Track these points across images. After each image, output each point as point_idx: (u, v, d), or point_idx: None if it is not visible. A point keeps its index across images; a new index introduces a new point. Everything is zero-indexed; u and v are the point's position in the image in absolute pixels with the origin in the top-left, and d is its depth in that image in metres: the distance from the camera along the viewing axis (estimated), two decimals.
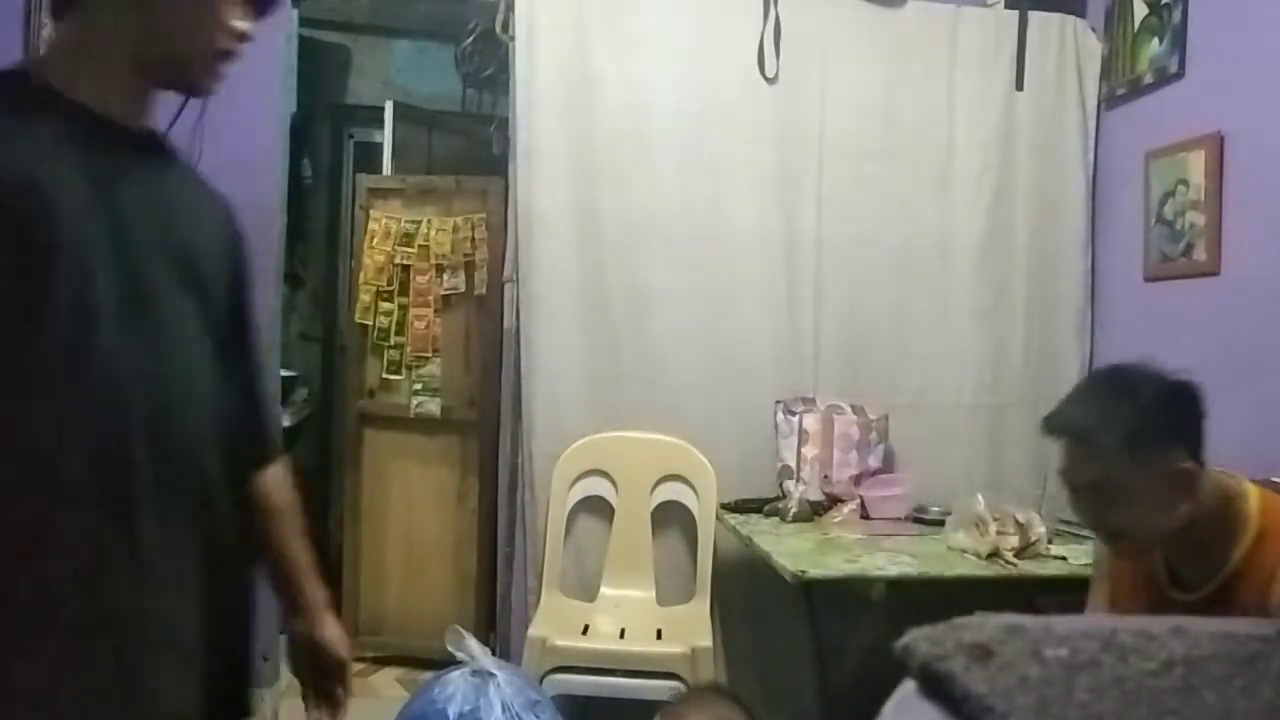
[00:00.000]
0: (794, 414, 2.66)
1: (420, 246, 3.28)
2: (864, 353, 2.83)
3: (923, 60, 2.84)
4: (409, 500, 3.36)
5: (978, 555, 2.14)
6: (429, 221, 3.29)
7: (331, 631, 1.24)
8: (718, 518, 2.62)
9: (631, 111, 2.69)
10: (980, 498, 2.23)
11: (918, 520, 2.53)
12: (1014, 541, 2.15)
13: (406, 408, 3.29)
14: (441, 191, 3.36)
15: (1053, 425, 1.47)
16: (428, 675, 2.47)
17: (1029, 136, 2.89)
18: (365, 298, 3.31)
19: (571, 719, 2.38)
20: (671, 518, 2.74)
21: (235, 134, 2.64)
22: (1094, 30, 2.92)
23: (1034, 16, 2.89)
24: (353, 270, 3.54)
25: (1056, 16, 2.91)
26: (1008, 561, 2.11)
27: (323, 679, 1.25)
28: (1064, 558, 2.18)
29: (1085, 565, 2.15)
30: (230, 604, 1.09)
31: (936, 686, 0.47)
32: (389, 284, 3.30)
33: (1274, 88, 2.24)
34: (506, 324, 2.80)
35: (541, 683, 2.28)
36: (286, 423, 3.33)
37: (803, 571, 2.02)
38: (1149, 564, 1.50)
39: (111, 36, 1.00)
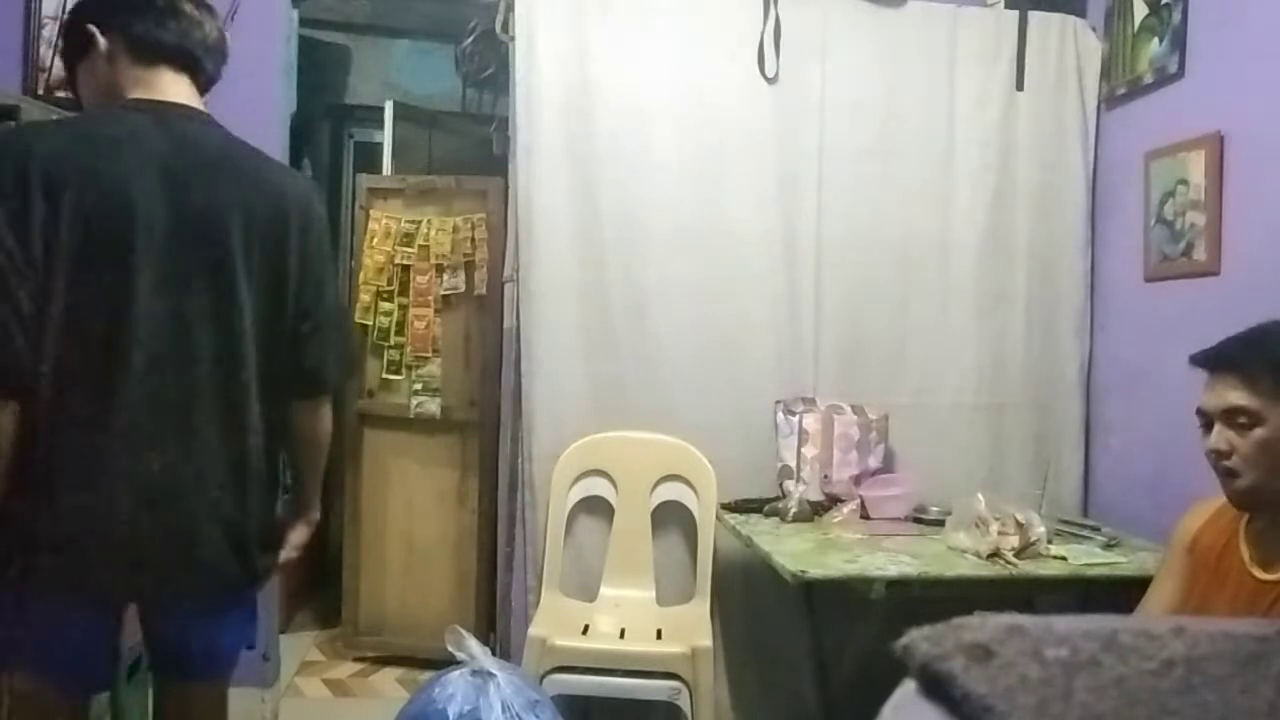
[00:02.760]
0: (794, 414, 2.66)
1: (420, 246, 3.29)
2: (864, 353, 2.83)
3: (923, 60, 2.84)
4: (409, 500, 3.36)
5: (978, 555, 2.14)
6: (429, 221, 3.29)
7: (295, 534, 1.68)
8: (718, 518, 2.62)
9: (631, 111, 2.69)
10: (980, 498, 2.23)
11: (918, 520, 2.53)
12: (1014, 541, 2.15)
13: (406, 408, 3.30)
14: (441, 191, 3.36)
15: (1201, 356, 1.53)
16: (428, 675, 2.47)
17: (1029, 136, 2.89)
18: (365, 298, 3.31)
19: (571, 719, 2.38)
20: (671, 518, 2.74)
21: (235, 134, 2.66)
22: (1094, 30, 2.92)
23: (1034, 16, 2.89)
24: (353, 270, 3.55)
25: (1056, 16, 2.91)
26: (1008, 561, 2.11)
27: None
28: (1064, 558, 2.18)
29: (1085, 565, 2.16)
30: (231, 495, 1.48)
31: (936, 686, 0.47)
32: (389, 284, 3.31)
33: (1274, 88, 2.24)
34: (506, 324, 2.80)
35: (541, 683, 2.28)
36: None
37: (803, 571, 2.02)
38: (1235, 546, 1.55)
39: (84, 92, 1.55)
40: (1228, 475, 1.50)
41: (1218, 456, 1.50)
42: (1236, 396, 1.47)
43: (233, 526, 1.47)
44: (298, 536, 1.66)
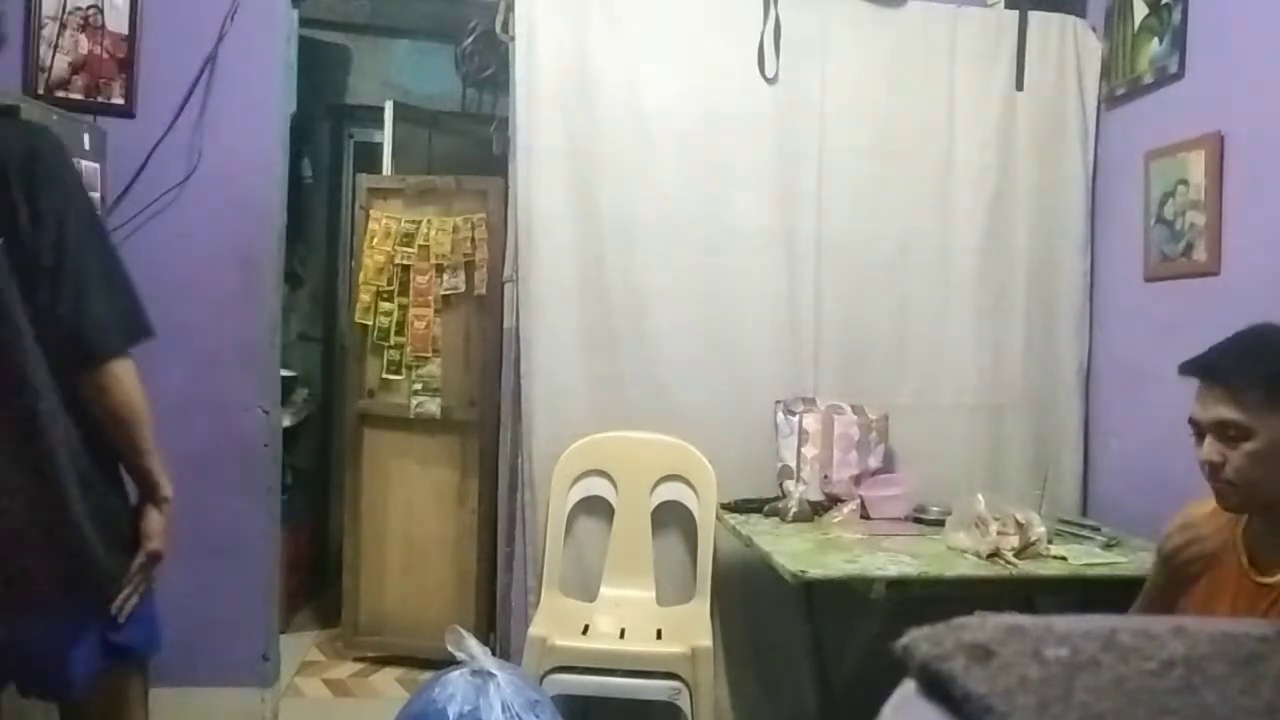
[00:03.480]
0: (794, 414, 2.66)
1: (420, 246, 3.29)
2: (864, 353, 2.83)
3: (923, 60, 2.84)
4: (409, 500, 3.36)
5: (978, 555, 2.14)
6: (429, 221, 3.29)
7: (148, 523, 1.52)
8: (718, 518, 2.62)
9: (631, 111, 2.69)
10: (980, 498, 2.24)
11: (918, 520, 2.53)
12: (1014, 541, 2.15)
13: (406, 408, 3.30)
14: (441, 191, 3.36)
15: (1190, 366, 1.52)
16: (428, 675, 2.47)
17: (1029, 136, 2.89)
18: (365, 298, 3.31)
19: (571, 719, 2.38)
20: (671, 518, 2.74)
21: (235, 134, 2.66)
22: (1094, 30, 2.92)
23: (1034, 16, 2.89)
24: (353, 270, 3.55)
25: (1056, 16, 2.91)
26: (1008, 561, 2.11)
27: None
28: (1064, 558, 2.18)
29: (1085, 565, 2.16)
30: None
31: (936, 686, 0.47)
32: (389, 284, 3.30)
33: (1274, 88, 2.24)
34: (506, 324, 2.80)
35: (541, 683, 2.28)
36: (286, 423, 3.33)
37: (803, 571, 2.02)
38: (1231, 549, 1.55)
39: None
40: (1221, 485, 1.50)
41: (1211, 468, 1.50)
42: (1225, 410, 1.46)
43: (56, 535, 1.37)
44: (151, 524, 1.51)
